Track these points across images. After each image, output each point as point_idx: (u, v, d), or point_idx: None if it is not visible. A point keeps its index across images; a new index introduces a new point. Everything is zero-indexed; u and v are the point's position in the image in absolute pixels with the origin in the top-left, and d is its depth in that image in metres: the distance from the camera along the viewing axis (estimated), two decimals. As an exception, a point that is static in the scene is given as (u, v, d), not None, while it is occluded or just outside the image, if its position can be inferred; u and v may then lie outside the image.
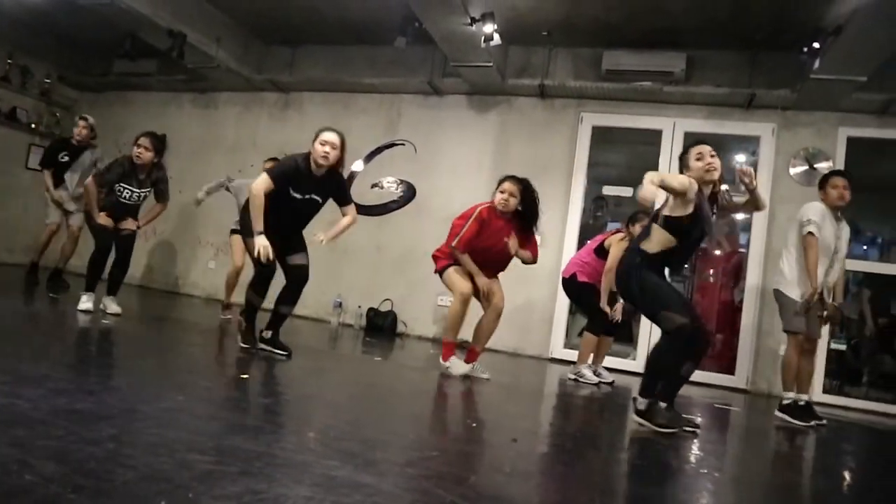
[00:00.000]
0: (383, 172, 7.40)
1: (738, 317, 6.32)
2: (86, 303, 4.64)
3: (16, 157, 8.33)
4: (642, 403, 3.24)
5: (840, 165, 6.05)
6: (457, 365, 4.39)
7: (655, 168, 6.31)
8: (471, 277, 4.38)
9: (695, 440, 3.22)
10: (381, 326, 6.85)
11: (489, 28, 5.54)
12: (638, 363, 6.23)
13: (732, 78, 6.23)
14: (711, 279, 7.14)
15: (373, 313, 6.98)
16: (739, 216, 7.46)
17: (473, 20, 5.47)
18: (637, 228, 4.69)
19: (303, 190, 3.92)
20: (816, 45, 5.10)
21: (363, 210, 7.31)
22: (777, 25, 5.60)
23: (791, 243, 4.35)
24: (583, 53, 6.63)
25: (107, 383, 2.66)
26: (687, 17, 5.77)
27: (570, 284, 5.28)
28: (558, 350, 6.56)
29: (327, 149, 3.88)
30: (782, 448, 3.71)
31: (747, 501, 2.41)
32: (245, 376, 3.26)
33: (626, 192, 6.74)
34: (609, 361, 5.66)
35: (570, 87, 6.62)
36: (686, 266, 3.73)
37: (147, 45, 6.92)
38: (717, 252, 7.17)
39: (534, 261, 4.61)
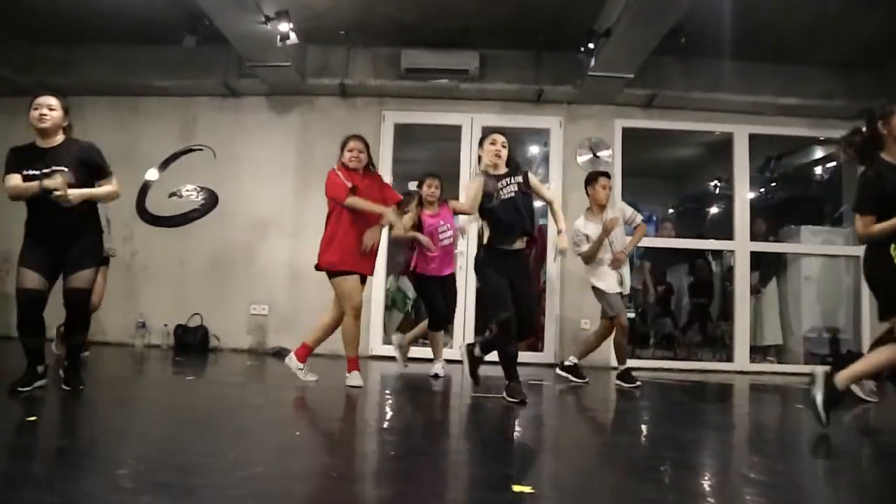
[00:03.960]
0: (181, 180, 6.95)
1: (541, 299, 6.80)
2: None
3: None
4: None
5: (618, 154, 6.75)
6: (355, 377, 4.27)
7: (457, 162, 6.61)
8: (362, 290, 4.30)
9: (509, 418, 3.42)
10: (192, 343, 6.45)
11: (284, 27, 5.41)
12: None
13: (522, 75, 6.66)
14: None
15: (181, 330, 6.55)
16: (538, 203, 8.05)
17: (268, 18, 5.31)
18: (425, 189, 5.00)
19: (38, 166, 3.34)
20: (591, 45, 5.61)
21: (162, 221, 6.85)
22: (557, 27, 6.07)
23: None
24: (382, 52, 6.71)
25: None
26: (477, 18, 6.05)
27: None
28: (378, 347, 6.61)
29: (43, 111, 3.38)
30: (593, 412, 4.05)
31: (568, 465, 2.60)
32: (32, 419, 2.90)
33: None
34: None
35: (370, 85, 6.68)
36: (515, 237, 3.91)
37: None
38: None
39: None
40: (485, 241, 4.00)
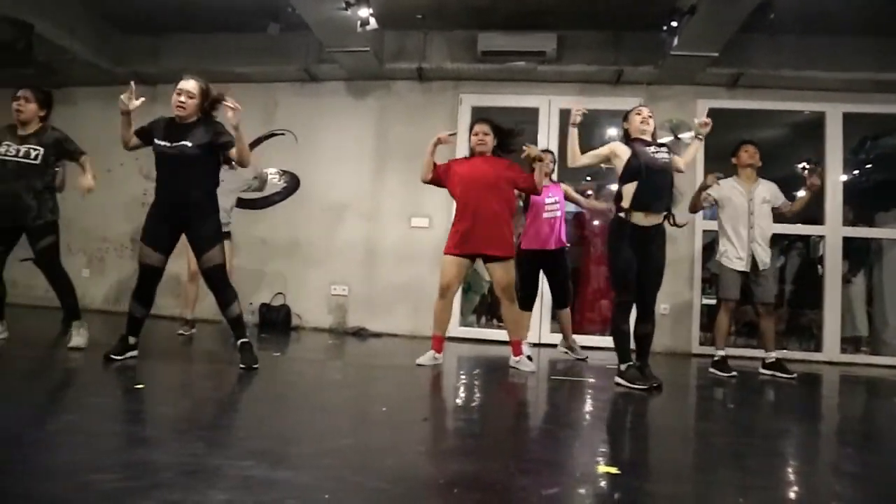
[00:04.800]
0: (263, 164, 7.18)
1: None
2: None
3: None
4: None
5: (700, 134, 6.52)
6: (427, 357, 4.37)
7: (535, 144, 6.51)
8: (455, 271, 4.32)
9: (589, 401, 3.41)
10: (275, 321, 6.70)
11: (364, 12, 5.50)
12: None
13: (600, 56, 6.54)
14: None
15: (265, 308, 6.81)
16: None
17: (348, 4, 5.41)
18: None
19: (171, 139, 3.64)
20: (674, 23, 5.46)
21: (246, 204, 7.09)
22: (638, 6, 5.91)
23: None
24: (458, 36, 6.71)
25: (-19, 410, 2.45)
26: (553, -1, 5.97)
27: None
28: (455, 328, 6.68)
29: (181, 98, 3.64)
30: (677, 398, 3.99)
31: (654, 449, 2.58)
32: (139, 387, 3.10)
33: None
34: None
35: (447, 69, 6.71)
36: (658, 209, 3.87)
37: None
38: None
39: (534, 187, 4.45)
40: (623, 209, 3.86)
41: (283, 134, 7.12)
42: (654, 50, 6.24)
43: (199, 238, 3.71)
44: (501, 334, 6.49)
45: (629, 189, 3.82)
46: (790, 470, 2.35)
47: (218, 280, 3.74)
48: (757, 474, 2.14)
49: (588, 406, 3.45)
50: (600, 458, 2.27)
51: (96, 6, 6.68)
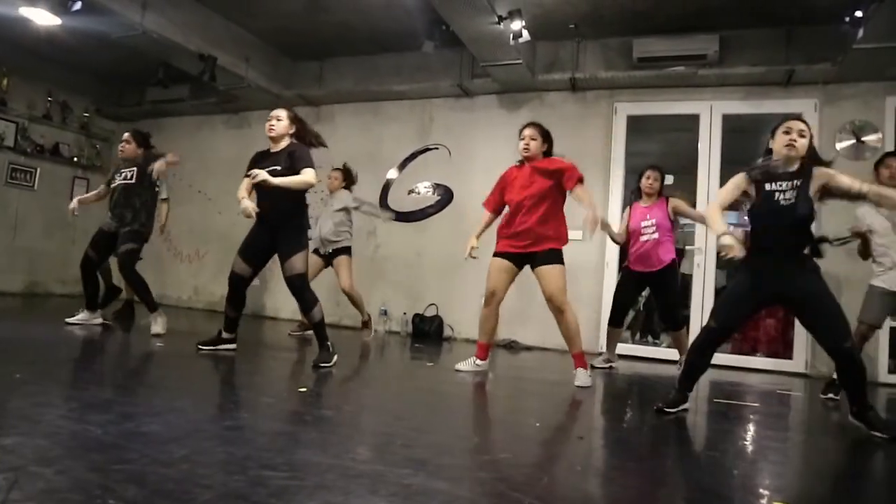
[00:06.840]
0: (418, 178, 7.40)
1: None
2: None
3: (61, 191, 8.55)
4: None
5: (890, 136, 5.86)
6: (468, 364, 4.43)
7: (694, 153, 6.22)
8: (499, 276, 4.38)
9: (757, 427, 3.13)
10: (428, 332, 6.84)
11: (517, 25, 5.51)
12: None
13: (769, 56, 6.07)
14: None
15: (418, 319, 6.98)
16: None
17: (501, 18, 5.44)
18: (643, 181, 5.09)
19: (263, 165, 4.04)
20: (859, 13, 4.94)
21: (401, 217, 7.33)
22: (812, -2, 5.44)
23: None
24: (612, 43, 6.54)
25: (169, 405, 2.67)
26: (717, -2, 5.64)
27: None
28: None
29: (271, 122, 4.09)
30: (848, 430, 3.57)
31: (822, 486, 2.32)
32: (303, 390, 3.27)
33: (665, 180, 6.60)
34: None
35: (601, 77, 6.54)
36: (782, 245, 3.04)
37: (179, 72, 7.07)
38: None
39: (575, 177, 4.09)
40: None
41: (437, 148, 7.30)
42: (833, 45, 5.69)
43: (283, 245, 4.08)
44: (657, 351, 6.22)
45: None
46: None
47: (298, 287, 4.09)
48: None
49: (754, 433, 3.17)
50: (775, 493, 2.06)
51: (268, 37, 7.25)
